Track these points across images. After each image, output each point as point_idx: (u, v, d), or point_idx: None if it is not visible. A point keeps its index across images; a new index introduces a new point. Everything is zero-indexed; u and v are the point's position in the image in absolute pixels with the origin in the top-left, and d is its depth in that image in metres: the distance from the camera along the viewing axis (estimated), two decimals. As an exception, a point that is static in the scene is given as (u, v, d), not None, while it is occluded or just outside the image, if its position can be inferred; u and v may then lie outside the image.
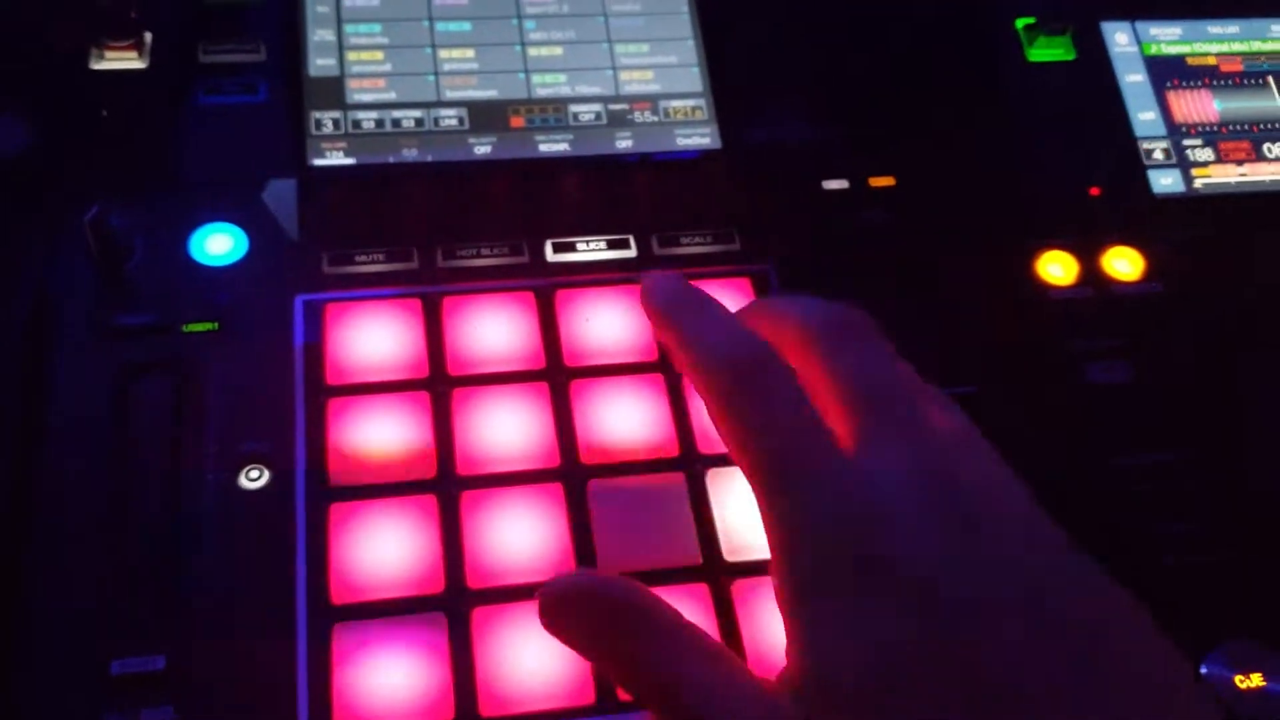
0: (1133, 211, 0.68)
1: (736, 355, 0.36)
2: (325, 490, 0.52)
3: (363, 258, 0.60)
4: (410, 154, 0.64)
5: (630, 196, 0.64)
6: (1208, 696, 0.33)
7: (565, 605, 0.35)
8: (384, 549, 0.51)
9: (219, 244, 0.59)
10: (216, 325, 0.56)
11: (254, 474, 0.52)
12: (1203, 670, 0.53)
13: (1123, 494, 0.57)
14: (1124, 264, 0.65)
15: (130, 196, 0.59)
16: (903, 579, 0.31)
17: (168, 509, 0.51)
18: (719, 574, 0.52)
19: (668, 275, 0.42)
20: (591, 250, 0.62)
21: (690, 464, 0.55)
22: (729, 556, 0.53)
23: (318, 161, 0.63)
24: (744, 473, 0.36)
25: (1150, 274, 0.65)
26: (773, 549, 0.34)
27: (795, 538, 0.33)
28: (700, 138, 0.67)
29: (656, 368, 0.58)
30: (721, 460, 0.55)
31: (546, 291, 0.60)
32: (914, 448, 0.34)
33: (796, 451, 0.34)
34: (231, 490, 0.52)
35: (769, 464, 0.34)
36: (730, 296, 0.61)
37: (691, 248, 0.63)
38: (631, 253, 0.62)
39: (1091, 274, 0.65)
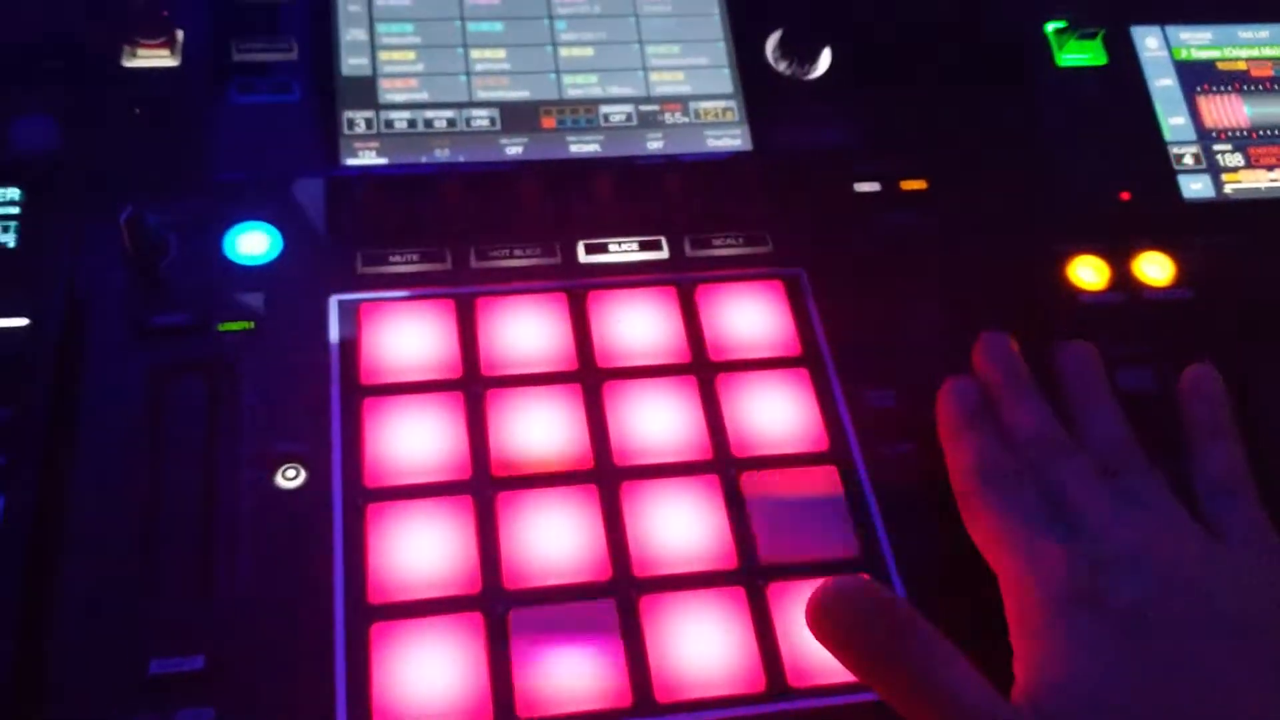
0: (1163, 217, 0.68)
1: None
2: (361, 490, 0.52)
3: (396, 258, 0.60)
4: (442, 154, 0.64)
5: (662, 198, 0.64)
6: None
7: (843, 606, 0.41)
8: (420, 549, 0.51)
9: (253, 243, 0.59)
10: (252, 325, 0.56)
11: (290, 474, 0.52)
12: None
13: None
14: (1155, 269, 0.65)
15: (164, 196, 0.60)
16: (1120, 611, 0.44)
17: (204, 509, 0.51)
18: (755, 576, 0.52)
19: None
20: (624, 251, 0.62)
21: (725, 467, 0.55)
22: (767, 557, 0.53)
23: (350, 161, 0.63)
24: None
25: (1180, 279, 0.65)
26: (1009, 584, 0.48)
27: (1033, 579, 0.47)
28: (731, 139, 0.67)
29: (689, 369, 0.58)
30: (755, 464, 0.56)
31: (579, 292, 0.60)
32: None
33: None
34: (268, 490, 0.52)
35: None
36: (764, 299, 0.61)
37: (723, 249, 0.63)
38: (664, 254, 0.62)
39: (1123, 279, 0.65)
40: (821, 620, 0.42)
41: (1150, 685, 0.41)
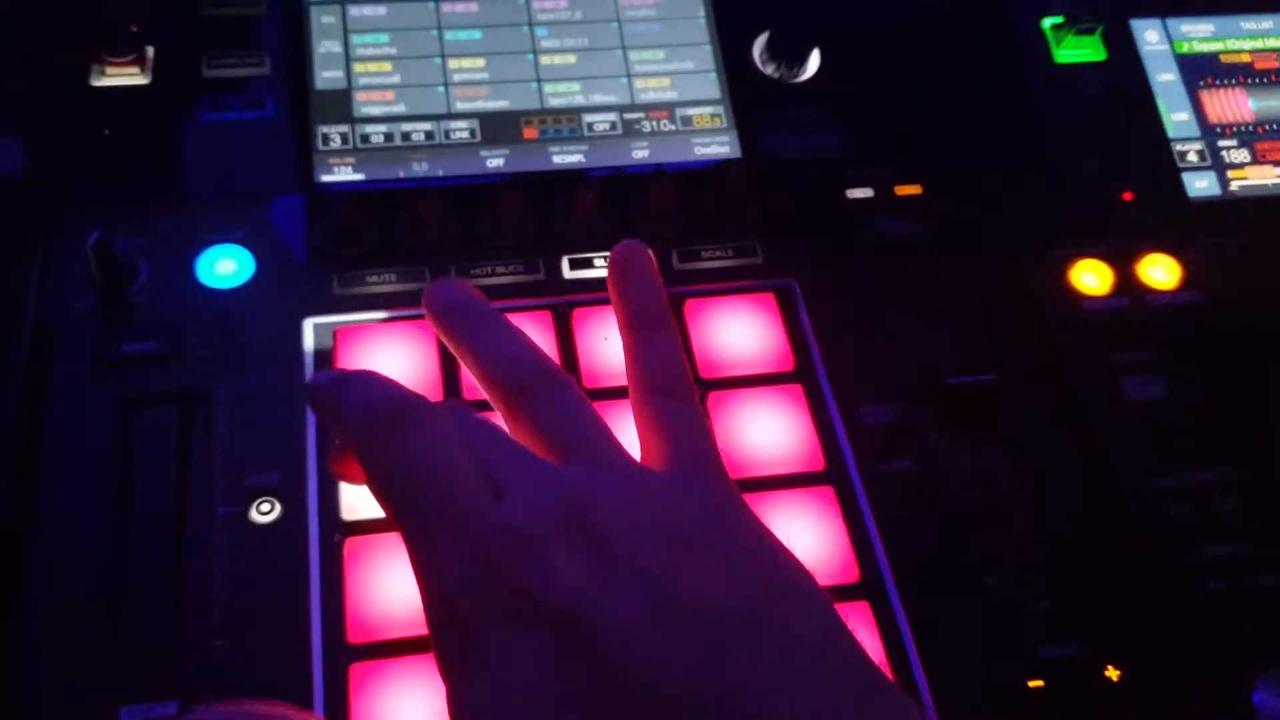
0: (1168, 216, 0.66)
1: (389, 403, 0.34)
2: (339, 524, 0.50)
3: (374, 278, 0.58)
4: (420, 168, 0.62)
5: (648, 209, 0.62)
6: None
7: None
8: (402, 584, 0.49)
9: (225, 266, 0.57)
10: (225, 352, 0.54)
11: (265, 508, 0.50)
12: (1254, 699, 0.51)
13: (1162, 516, 0.55)
14: (1160, 272, 0.63)
15: (133, 218, 0.58)
16: (546, 621, 0.30)
17: (176, 545, 0.49)
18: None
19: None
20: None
21: (716, 489, 0.53)
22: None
23: (325, 178, 0.61)
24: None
25: (1187, 282, 0.63)
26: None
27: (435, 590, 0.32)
28: (719, 146, 0.65)
29: (679, 388, 0.56)
30: (750, 486, 0.54)
31: (564, 310, 0.58)
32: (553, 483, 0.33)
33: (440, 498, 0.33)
34: (242, 525, 0.50)
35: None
36: (755, 312, 0.59)
37: (712, 261, 0.61)
38: (651, 268, 0.60)
39: (1127, 283, 0.63)
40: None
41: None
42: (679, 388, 0.39)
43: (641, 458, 0.37)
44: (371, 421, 0.34)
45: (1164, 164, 0.68)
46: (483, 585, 0.31)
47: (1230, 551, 0.54)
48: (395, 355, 0.55)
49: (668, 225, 0.62)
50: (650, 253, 0.42)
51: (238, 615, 0.48)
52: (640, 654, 0.29)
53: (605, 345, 0.57)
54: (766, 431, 0.55)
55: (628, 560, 0.31)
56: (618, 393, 0.55)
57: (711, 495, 0.35)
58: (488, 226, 0.60)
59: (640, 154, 0.64)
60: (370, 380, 0.35)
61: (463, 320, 0.39)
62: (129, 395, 0.53)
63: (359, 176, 0.61)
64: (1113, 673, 0.51)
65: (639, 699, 0.28)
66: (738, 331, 0.59)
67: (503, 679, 0.30)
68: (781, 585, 0.32)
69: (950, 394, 0.57)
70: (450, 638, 0.31)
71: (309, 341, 0.55)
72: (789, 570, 0.33)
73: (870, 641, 0.50)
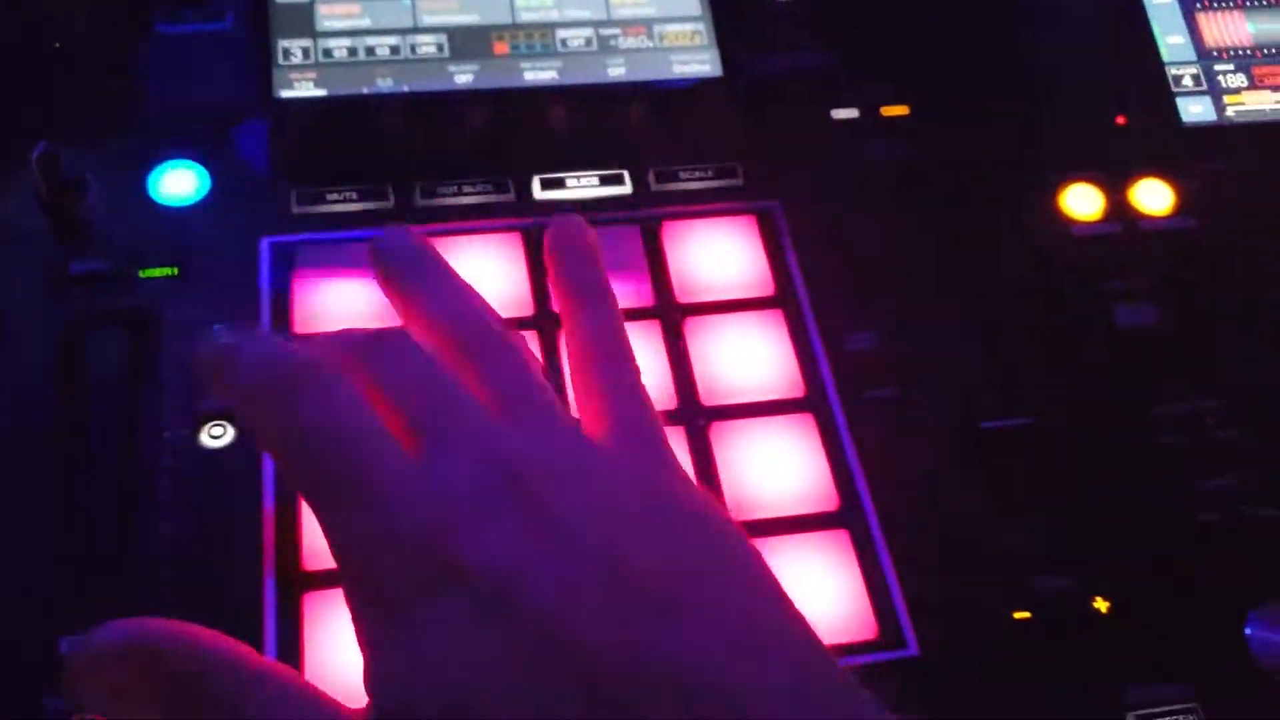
0: (1161, 141, 0.64)
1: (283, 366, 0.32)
2: (295, 448, 0.48)
3: (334, 196, 0.55)
4: (385, 84, 0.59)
5: (624, 128, 0.59)
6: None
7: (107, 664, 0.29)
8: (360, 511, 0.47)
9: (179, 183, 0.55)
10: (176, 271, 0.52)
11: (216, 431, 0.48)
12: (1246, 631, 0.49)
13: (1154, 446, 0.53)
14: (1153, 197, 0.61)
15: (85, 133, 0.55)
16: (474, 590, 0.27)
17: (125, 471, 0.47)
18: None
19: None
20: (583, 187, 0.58)
21: (693, 417, 0.51)
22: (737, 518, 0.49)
23: (285, 94, 0.58)
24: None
25: (1181, 208, 0.61)
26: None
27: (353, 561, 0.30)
28: (699, 65, 0.62)
29: (654, 313, 0.54)
30: (725, 413, 0.52)
31: (535, 232, 0.55)
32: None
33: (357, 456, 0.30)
34: (192, 449, 0.48)
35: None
36: (735, 235, 0.57)
37: (691, 183, 0.59)
38: (626, 189, 0.58)
39: (1119, 208, 0.60)
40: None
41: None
42: (620, 358, 0.37)
43: (584, 424, 0.35)
44: (258, 390, 0.31)
45: (1158, 88, 0.65)
46: (400, 556, 0.29)
47: (1223, 483, 0.52)
48: (354, 276, 0.53)
49: (645, 146, 0.59)
50: (588, 226, 0.40)
51: (187, 543, 0.46)
52: (574, 628, 0.27)
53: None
54: (746, 358, 0.53)
55: (561, 527, 0.29)
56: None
57: (653, 465, 0.34)
58: (455, 144, 0.57)
59: (616, 71, 0.61)
60: (258, 343, 0.33)
61: (407, 276, 0.37)
62: (78, 316, 0.50)
63: (320, 92, 0.58)
64: (1101, 604, 0.49)
65: (573, 675, 0.26)
66: (717, 255, 0.56)
67: (425, 654, 0.27)
68: (724, 558, 0.31)
69: (935, 319, 0.55)
70: (368, 611, 0.29)
71: (265, 260, 0.53)
72: (731, 542, 0.32)
73: (850, 570, 0.48)
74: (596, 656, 0.26)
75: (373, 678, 0.28)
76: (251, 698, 0.29)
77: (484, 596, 0.27)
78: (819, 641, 0.29)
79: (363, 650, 0.29)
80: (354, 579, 0.30)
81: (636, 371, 0.37)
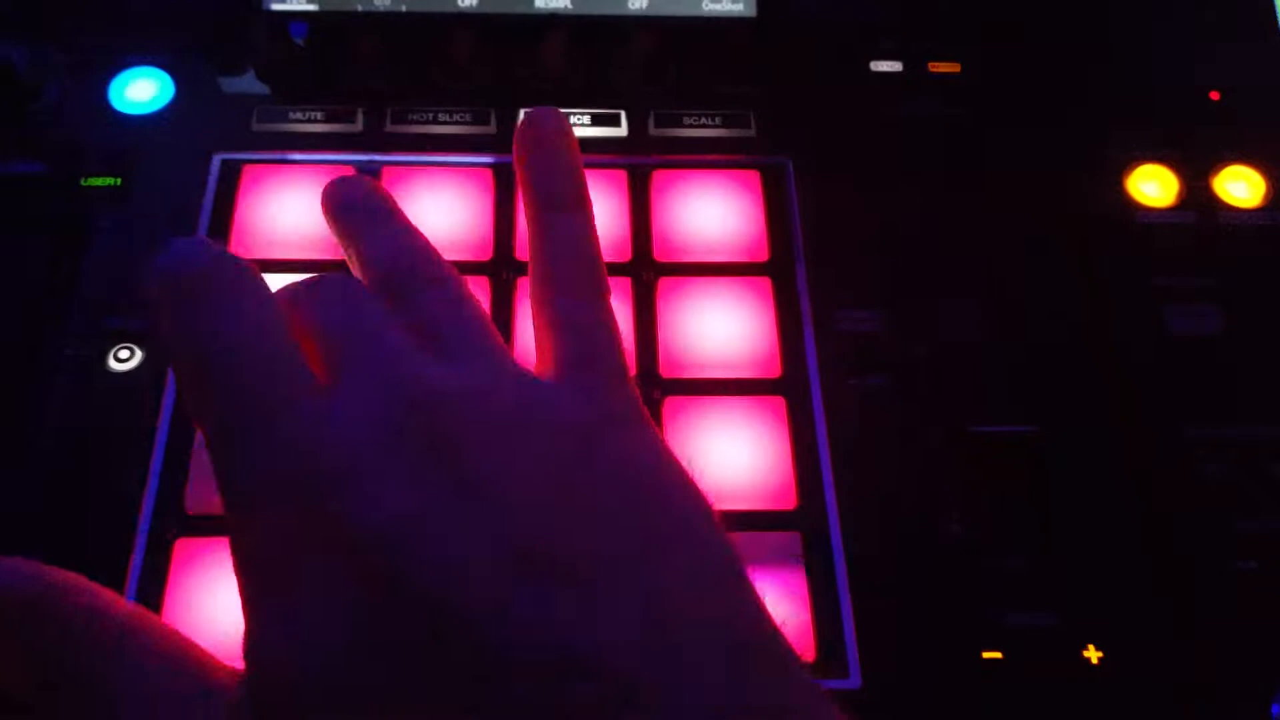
0: (1263, 124, 0.54)
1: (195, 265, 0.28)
2: (200, 380, 0.44)
3: (297, 115, 0.51)
4: (382, 2, 0.54)
5: (631, 65, 0.54)
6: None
7: None
8: (256, 455, 0.43)
9: (141, 90, 0.51)
10: (119, 181, 0.49)
11: (123, 354, 0.45)
12: (1273, 711, 0.41)
13: (1189, 476, 0.45)
14: (1240, 187, 0.52)
15: (46, 33, 0.52)
16: (356, 554, 0.24)
17: (23, 387, 0.44)
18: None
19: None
20: (574, 125, 0.52)
21: (647, 388, 0.46)
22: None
23: (276, 6, 0.54)
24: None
25: (1273, 202, 0.52)
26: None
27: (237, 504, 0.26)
28: (732, 3, 0.56)
29: (627, 269, 0.49)
30: (683, 387, 0.46)
31: (508, 171, 0.50)
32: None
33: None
34: (94, 370, 0.44)
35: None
36: (733, 191, 0.50)
37: (695, 129, 0.52)
38: (621, 130, 0.52)
39: (1196, 196, 0.52)
40: None
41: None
42: (587, 282, 0.31)
43: (535, 367, 0.30)
44: (170, 287, 0.27)
45: (1268, 58, 0.56)
46: (285, 507, 0.25)
47: (1267, 526, 0.44)
48: (304, 202, 0.48)
49: (652, 86, 0.53)
50: (566, 121, 0.34)
51: (68, 470, 0.42)
52: (472, 605, 0.23)
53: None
54: (718, 328, 0.47)
55: (469, 480, 0.25)
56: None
57: (605, 414, 0.28)
58: (436, 68, 0.52)
59: (638, 4, 0.55)
60: (187, 243, 0.28)
61: (353, 219, 0.33)
62: (3, 218, 0.47)
63: (311, 7, 0.54)
64: (1093, 654, 0.42)
65: (468, 658, 0.23)
66: (709, 211, 0.50)
67: (302, 625, 0.24)
68: (667, 530, 0.26)
69: (951, 304, 0.48)
70: (247, 567, 0.25)
71: (213, 177, 0.49)
72: (681, 512, 0.27)
73: (796, 579, 0.42)
74: (492, 641, 0.23)
75: (247, 644, 0.25)
76: (117, 659, 0.25)
77: (365, 563, 0.24)
78: (766, 629, 0.25)
79: (243, 613, 0.25)
80: (238, 525, 0.26)
81: (606, 305, 0.31)
